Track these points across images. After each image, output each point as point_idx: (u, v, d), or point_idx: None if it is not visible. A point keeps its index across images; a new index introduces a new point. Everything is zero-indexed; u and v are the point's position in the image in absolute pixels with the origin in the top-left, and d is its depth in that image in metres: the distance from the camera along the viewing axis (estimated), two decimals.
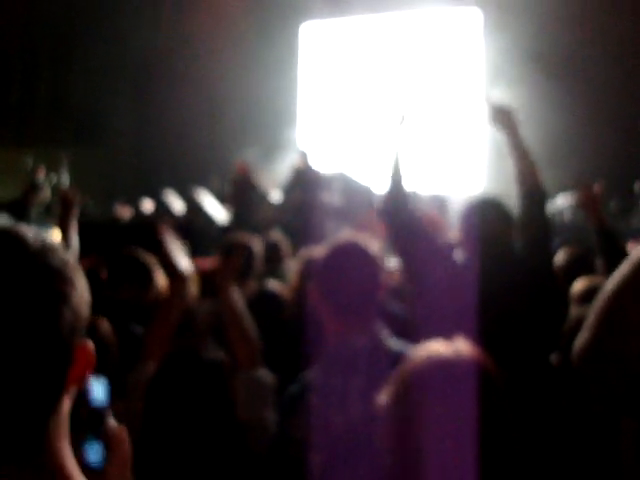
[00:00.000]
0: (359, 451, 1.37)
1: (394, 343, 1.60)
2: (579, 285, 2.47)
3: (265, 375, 1.83)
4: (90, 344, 0.78)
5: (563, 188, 6.93)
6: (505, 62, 7.81)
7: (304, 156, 6.78)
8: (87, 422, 0.82)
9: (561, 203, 6.90)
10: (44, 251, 0.73)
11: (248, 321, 1.84)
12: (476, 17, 8.68)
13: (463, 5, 8.69)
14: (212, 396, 1.45)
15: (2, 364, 0.68)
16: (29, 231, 0.75)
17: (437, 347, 1.09)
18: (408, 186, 2.26)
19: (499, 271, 2.10)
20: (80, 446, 0.81)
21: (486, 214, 2.19)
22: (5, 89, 9.36)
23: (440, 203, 6.67)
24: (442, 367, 1.05)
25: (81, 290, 0.76)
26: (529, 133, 7.92)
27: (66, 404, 0.78)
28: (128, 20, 9.16)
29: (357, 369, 1.50)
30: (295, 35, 9.61)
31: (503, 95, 7.76)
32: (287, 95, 9.35)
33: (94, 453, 0.87)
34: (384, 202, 2.22)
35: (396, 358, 1.49)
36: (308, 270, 2.57)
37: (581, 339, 0.95)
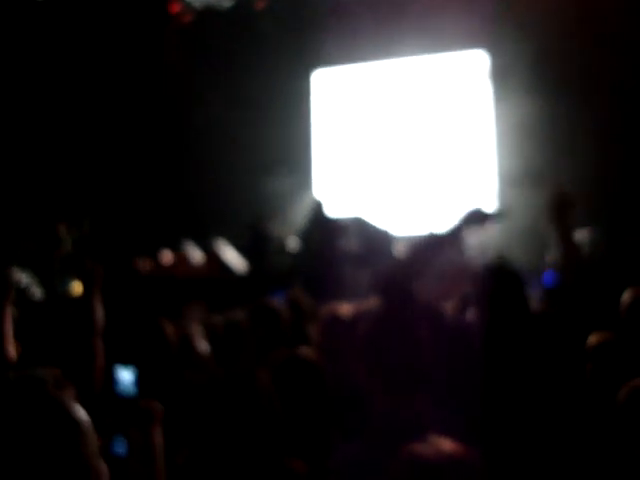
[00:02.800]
0: None
1: (437, 414, 1.62)
2: (592, 340, 2.44)
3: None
4: (104, 466, 0.80)
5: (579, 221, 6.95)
6: (512, 92, 7.94)
7: (319, 206, 6.84)
8: (114, 412, 0.81)
9: (579, 237, 6.85)
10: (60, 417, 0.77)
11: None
12: (483, 60, 8.84)
13: (471, 49, 8.85)
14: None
15: None
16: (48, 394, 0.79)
17: (424, 450, 1.14)
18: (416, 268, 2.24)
19: (513, 334, 2.14)
20: (107, 436, 0.81)
21: (499, 279, 2.23)
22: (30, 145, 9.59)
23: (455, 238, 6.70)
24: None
25: (91, 446, 0.79)
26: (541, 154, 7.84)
27: None
28: (143, 76, 9.42)
29: (402, 444, 1.51)
30: (307, 82, 9.81)
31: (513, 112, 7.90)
32: (301, 142, 9.49)
33: (120, 445, 0.85)
34: (388, 279, 2.19)
35: (439, 430, 1.51)
36: (331, 333, 2.59)
37: None
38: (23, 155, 9.01)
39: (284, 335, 2.68)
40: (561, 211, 2.28)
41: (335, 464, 1.56)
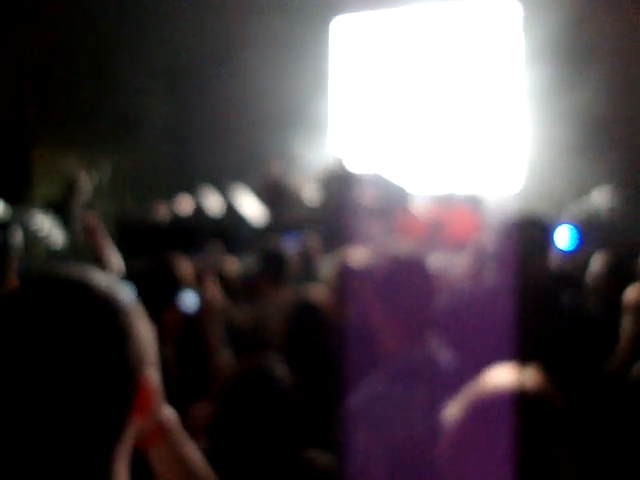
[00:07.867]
0: (421, 466, 1.34)
1: (445, 355, 1.66)
2: (633, 294, 2.38)
3: None
4: (153, 375, 0.81)
5: (598, 180, 6.73)
6: (543, 51, 7.65)
7: (339, 161, 6.80)
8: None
9: (596, 201, 6.53)
10: (108, 296, 0.77)
11: None
12: (514, 9, 8.46)
13: None
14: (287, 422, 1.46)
15: (71, 400, 0.72)
16: (94, 276, 0.79)
17: (504, 377, 1.07)
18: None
19: (538, 290, 2.11)
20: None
21: (526, 233, 2.19)
22: (48, 90, 9.57)
23: (475, 203, 6.61)
24: (507, 401, 1.02)
25: (142, 330, 0.79)
26: (565, 122, 7.59)
27: (131, 433, 0.80)
28: (164, 23, 9.29)
29: (419, 381, 1.54)
30: (326, 30, 9.58)
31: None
32: (319, 91, 9.33)
33: None
34: None
35: (450, 371, 1.54)
36: (347, 276, 2.60)
37: None
38: None
39: (290, 276, 2.71)
40: None
41: (348, 405, 1.58)
